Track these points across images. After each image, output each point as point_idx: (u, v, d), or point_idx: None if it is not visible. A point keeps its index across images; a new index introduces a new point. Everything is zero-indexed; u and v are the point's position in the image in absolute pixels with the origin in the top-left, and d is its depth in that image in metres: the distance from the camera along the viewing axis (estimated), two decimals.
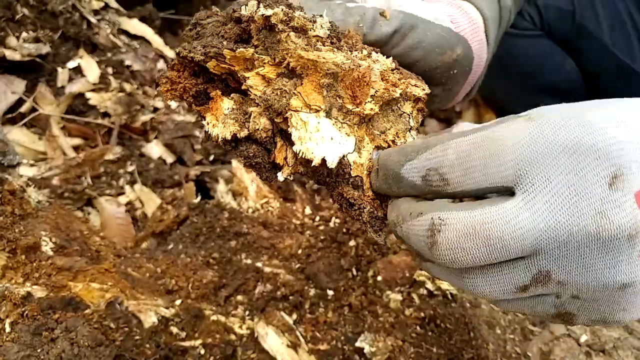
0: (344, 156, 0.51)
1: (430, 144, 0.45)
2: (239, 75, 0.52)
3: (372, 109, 0.53)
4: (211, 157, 1.49)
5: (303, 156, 0.50)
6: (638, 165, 0.39)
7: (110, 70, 1.56)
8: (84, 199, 1.30)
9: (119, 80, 1.55)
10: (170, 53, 1.71)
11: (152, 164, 1.42)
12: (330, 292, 1.05)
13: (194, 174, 1.40)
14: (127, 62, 1.59)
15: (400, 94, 0.55)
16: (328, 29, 0.54)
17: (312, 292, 1.05)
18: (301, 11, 0.53)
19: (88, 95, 1.49)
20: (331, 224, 1.19)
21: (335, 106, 0.52)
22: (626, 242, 0.39)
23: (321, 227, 1.18)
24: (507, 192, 0.41)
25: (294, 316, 1.01)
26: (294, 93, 0.51)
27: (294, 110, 0.51)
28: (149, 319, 0.92)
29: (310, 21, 0.52)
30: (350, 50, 0.54)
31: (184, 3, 2.20)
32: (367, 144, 0.54)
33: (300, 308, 1.03)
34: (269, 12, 0.50)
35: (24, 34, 1.47)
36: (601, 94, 1.54)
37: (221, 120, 0.53)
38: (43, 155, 1.36)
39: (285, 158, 0.54)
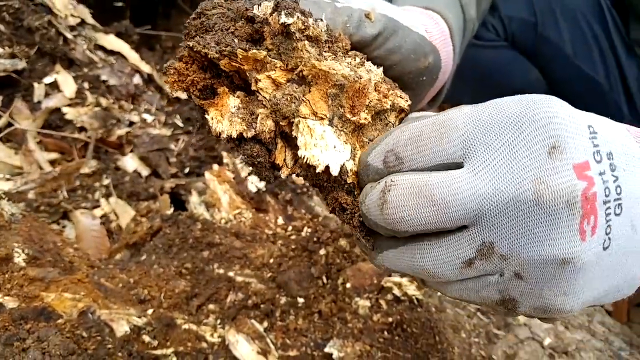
0: (344, 164, 0.53)
1: (391, 131, 0.49)
2: (247, 74, 0.53)
3: (365, 118, 0.55)
4: (186, 170, 1.51)
5: (307, 162, 0.52)
6: (576, 140, 0.41)
7: (86, 85, 1.58)
8: (60, 212, 1.32)
9: (95, 95, 1.57)
10: (146, 68, 1.73)
11: (128, 177, 1.43)
12: (300, 300, 1.07)
13: (169, 187, 1.42)
14: (104, 77, 1.62)
15: (390, 106, 0.58)
16: (325, 32, 0.55)
17: (283, 300, 1.07)
18: (312, 17, 0.54)
19: (64, 110, 1.51)
20: (303, 234, 1.21)
21: (337, 115, 0.54)
22: (565, 209, 0.40)
23: (293, 237, 1.21)
24: (457, 168, 0.44)
25: (265, 324, 1.03)
26: (303, 100, 0.52)
27: (302, 117, 0.52)
28: (121, 328, 0.94)
29: (321, 29, 0.54)
30: (344, 56, 0.56)
31: (162, 19, 2.23)
32: (358, 151, 0.56)
33: (271, 316, 1.05)
34: (290, 20, 0.51)
35: (0, 50, 1.48)
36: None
37: (227, 117, 0.53)
38: (19, 170, 1.38)
39: (285, 159, 0.55)
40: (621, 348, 1.15)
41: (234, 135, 0.53)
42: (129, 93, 1.63)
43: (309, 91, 0.53)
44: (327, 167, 0.52)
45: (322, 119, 0.53)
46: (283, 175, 0.55)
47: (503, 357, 1.03)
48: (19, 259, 0.97)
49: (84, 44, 1.64)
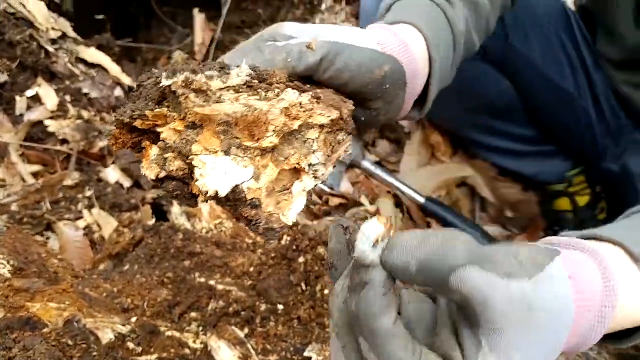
0: (237, 185, 0.63)
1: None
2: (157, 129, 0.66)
3: (271, 142, 0.64)
4: None
5: (202, 189, 0.62)
6: None
7: (68, 97, 1.60)
8: (43, 224, 1.34)
9: (77, 108, 1.60)
10: (127, 80, 1.76)
11: (110, 189, 1.46)
12: (280, 307, 1.11)
13: (150, 197, 1.44)
14: (85, 90, 1.64)
15: (299, 126, 0.66)
16: (247, 75, 0.65)
17: (263, 307, 1.11)
18: (209, 70, 0.63)
19: (46, 122, 1.53)
20: (282, 242, 1.25)
21: (234, 145, 0.64)
22: None
23: (272, 245, 1.24)
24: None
25: (246, 330, 1.07)
26: (195, 140, 0.63)
27: (195, 154, 0.63)
28: (106, 336, 0.97)
29: (218, 75, 0.63)
30: (265, 91, 0.65)
31: (142, 31, 2.25)
32: (272, 169, 0.65)
33: (252, 322, 1.08)
34: (168, 82, 0.62)
35: None
36: (536, 111, 1.64)
37: (149, 164, 0.65)
38: (1, 182, 1.40)
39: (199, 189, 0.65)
40: (590, 348, 1.19)
41: (153, 177, 0.65)
42: (110, 105, 1.65)
43: (202, 132, 0.64)
44: (216, 192, 0.62)
45: (214, 152, 0.63)
46: (200, 203, 0.66)
47: None
48: (4, 270, 0.99)
49: (65, 57, 1.67)
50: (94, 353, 0.93)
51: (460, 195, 1.90)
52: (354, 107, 0.73)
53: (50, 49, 1.64)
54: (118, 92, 1.70)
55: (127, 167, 1.51)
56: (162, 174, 0.65)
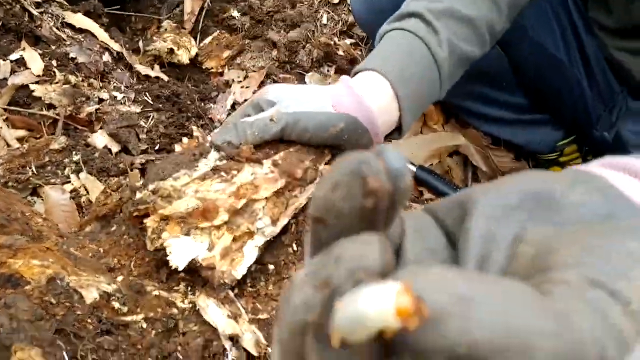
0: (193, 259, 0.86)
1: None
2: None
3: (222, 219, 0.85)
4: (156, 147, 1.52)
5: (171, 264, 0.87)
6: None
7: (54, 62, 1.57)
8: (29, 189, 1.32)
9: (64, 73, 1.56)
10: (115, 46, 1.73)
11: (97, 154, 1.43)
12: (271, 267, 1.09)
13: (139, 162, 1.42)
14: (72, 55, 1.60)
15: (244, 204, 0.87)
16: (215, 160, 0.90)
17: (253, 267, 1.09)
18: (177, 172, 0.88)
19: (32, 87, 1.50)
20: None
21: (192, 228, 0.85)
22: None
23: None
24: None
25: (235, 290, 1.05)
26: (164, 229, 0.86)
27: (164, 239, 0.86)
28: (91, 295, 0.94)
29: (186, 172, 0.88)
30: (226, 173, 0.88)
31: (131, 1, 2.21)
32: (227, 236, 0.86)
33: (242, 282, 1.06)
34: (138, 196, 0.88)
35: None
36: (527, 79, 1.63)
37: (148, 238, 0.90)
38: None
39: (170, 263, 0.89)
40: None
41: (150, 249, 0.91)
42: (98, 70, 1.62)
43: (168, 223, 0.86)
44: (177, 267, 0.86)
45: (177, 237, 0.85)
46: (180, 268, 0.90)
47: None
48: None
49: (51, 22, 1.63)
50: (78, 312, 0.91)
51: (452, 164, 1.89)
52: (329, 156, 1.02)
53: (35, 12, 1.60)
54: (107, 57, 1.67)
55: (115, 132, 1.48)
56: (153, 248, 0.90)
